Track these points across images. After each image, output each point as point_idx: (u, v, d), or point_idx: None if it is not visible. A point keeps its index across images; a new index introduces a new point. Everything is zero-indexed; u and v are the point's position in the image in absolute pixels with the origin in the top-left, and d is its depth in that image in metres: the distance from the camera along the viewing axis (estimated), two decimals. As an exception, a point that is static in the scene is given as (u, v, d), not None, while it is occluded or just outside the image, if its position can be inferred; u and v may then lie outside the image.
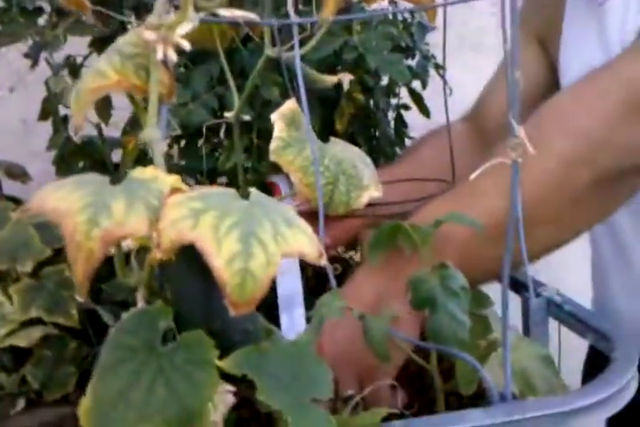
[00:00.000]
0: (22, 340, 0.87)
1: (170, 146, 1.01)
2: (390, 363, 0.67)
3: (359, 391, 0.68)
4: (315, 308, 0.63)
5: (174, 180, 0.41)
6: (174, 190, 0.39)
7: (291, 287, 0.82)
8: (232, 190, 0.40)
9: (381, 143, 1.09)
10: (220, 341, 0.41)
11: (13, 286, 0.90)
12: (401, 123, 1.14)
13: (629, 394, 0.50)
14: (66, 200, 0.35)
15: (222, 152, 0.95)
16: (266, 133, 1.01)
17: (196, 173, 1.01)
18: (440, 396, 0.65)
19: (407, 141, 1.14)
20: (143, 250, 0.43)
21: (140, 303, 0.43)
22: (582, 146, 0.66)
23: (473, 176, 0.42)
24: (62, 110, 1.05)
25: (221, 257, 0.35)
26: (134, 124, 1.05)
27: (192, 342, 0.41)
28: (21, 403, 0.84)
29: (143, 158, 1.06)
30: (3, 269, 0.90)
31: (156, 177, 0.40)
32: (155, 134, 0.42)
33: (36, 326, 0.87)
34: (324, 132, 0.99)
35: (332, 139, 0.72)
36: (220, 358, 0.41)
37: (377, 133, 1.10)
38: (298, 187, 0.66)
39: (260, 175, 0.94)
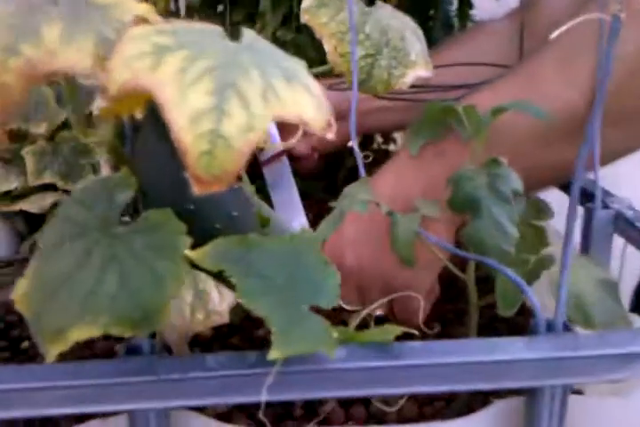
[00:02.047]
0: (34, 205, 0.81)
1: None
2: (426, 273, 0.58)
3: (388, 306, 0.59)
4: (339, 199, 0.54)
5: (144, 8, 0.30)
6: (140, 21, 0.29)
7: (285, 191, 0.74)
8: (219, 28, 0.29)
9: (437, 25, 0.93)
10: (196, 226, 0.32)
11: (27, 147, 0.83)
12: (466, 2, 0.96)
13: None
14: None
15: (257, 21, 0.83)
16: None
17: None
18: (474, 311, 0.56)
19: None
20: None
21: (105, 170, 0.34)
22: None
23: (554, 35, 0.30)
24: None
25: (184, 113, 0.25)
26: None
27: (157, 224, 0.32)
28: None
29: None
30: (14, 129, 0.83)
31: (120, 2, 0.30)
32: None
33: (49, 191, 0.82)
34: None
35: (379, 2, 0.59)
36: (195, 247, 0.32)
37: (434, 13, 0.93)
38: (331, 57, 0.54)
39: (299, 50, 0.82)
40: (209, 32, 0.29)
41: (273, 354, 0.32)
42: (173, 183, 0.32)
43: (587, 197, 0.58)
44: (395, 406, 0.41)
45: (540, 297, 0.63)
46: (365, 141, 0.89)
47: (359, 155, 0.54)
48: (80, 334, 0.31)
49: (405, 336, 0.39)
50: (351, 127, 0.54)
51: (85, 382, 0.36)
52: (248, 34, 0.29)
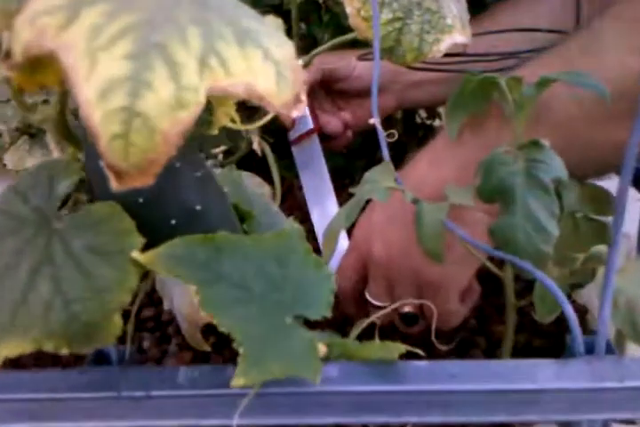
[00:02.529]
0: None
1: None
2: (461, 268, 0.51)
3: (417, 304, 0.53)
4: (359, 185, 0.47)
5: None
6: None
7: (315, 172, 0.68)
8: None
9: None
10: (148, 224, 0.27)
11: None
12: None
13: None
14: None
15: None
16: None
17: (268, 10, 0.83)
18: (511, 312, 0.49)
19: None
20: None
21: (55, 153, 0.29)
22: None
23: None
24: None
25: (92, 85, 0.19)
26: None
27: (100, 220, 0.26)
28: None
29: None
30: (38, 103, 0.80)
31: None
32: None
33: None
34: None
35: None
36: (148, 248, 0.27)
37: None
38: (353, 21, 0.47)
39: (335, 16, 0.75)
40: (148, -20, 0.23)
41: (236, 381, 0.26)
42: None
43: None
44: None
45: (590, 300, 0.55)
46: (406, 117, 0.81)
47: (382, 135, 0.47)
48: (10, 349, 0.26)
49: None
50: (372, 102, 0.47)
51: (38, 395, 0.31)
52: (200, -17, 0.23)
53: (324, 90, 0.69)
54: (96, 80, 0.19)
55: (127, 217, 0.26)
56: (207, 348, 0.52)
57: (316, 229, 0.64)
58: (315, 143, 0.70)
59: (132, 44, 0.20)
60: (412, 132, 0.80)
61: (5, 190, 0.28)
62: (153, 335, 0.63)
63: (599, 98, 0.41)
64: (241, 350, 0.27)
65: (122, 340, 0.31)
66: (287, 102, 0.21)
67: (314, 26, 0.76)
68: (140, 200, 0.26)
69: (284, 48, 0.23)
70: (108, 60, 0.19)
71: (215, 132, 0.29)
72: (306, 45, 0.73)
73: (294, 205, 0.84)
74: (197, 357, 0.59)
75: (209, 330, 0.55)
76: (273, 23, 0.25)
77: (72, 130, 0.29)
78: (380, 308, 0.54)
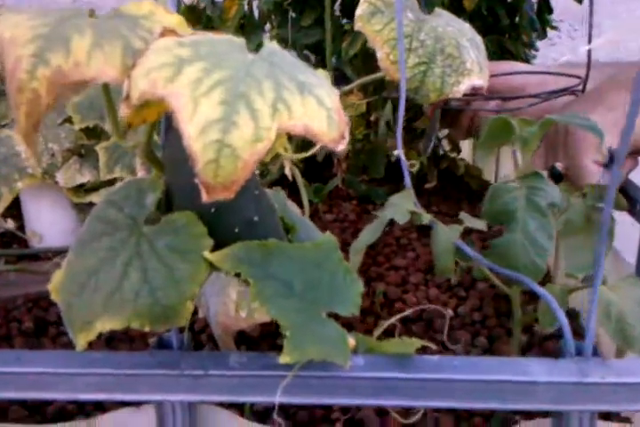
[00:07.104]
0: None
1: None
2: None
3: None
4: (384, 207, 0.54)
5: (176, 20, 0.31)
6: (168, 32, 0.30)
7: None
8: (240, 40, 0.30)
9: (520, 31, 0.92)
10: (216, 229, 0.34)
11: (101, 143, 0.87)
12: (546, 7, 0.94)
13: None
14: (18, 27, 0.28)
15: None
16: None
17: (302, 47, 0.91)
18: (517, 328, 0.55)
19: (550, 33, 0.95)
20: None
21: (140, 173, 0.36)
22: None
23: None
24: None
25: (194, 123, 0.26)
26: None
27: (180, 226, 0.33)
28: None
29: (248, 25, 0.98)
30: (90, 126, 0.88)
31: (152, 13, 0.31)
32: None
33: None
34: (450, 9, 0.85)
35: (437, 9, 0.59)
36: (215, 250, 0.34)
37: (516, 19, 0.92)
38: (383, 64, 0.55)
39: (368, 52, 0.82)
40: (229, 44, 0.30)
41: (283, 359, 0.33)
42: (195, 187, 0.33)
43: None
44: (411, 419, 0.40)
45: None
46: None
47: (405, 164, 0.54)
48: (104, 325, 0.33)
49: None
50: (397, 136, 0.54)
51: (114, 371, 0.38)
52: (269, 46, 0.30)
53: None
54: (198, 120, 0.26)
55: (201, 224, 0.33)
56: (238, 354, 0.59)
57: None
58: None
59: (223, 94, 0.27)
60: (434, 163, 0.87)
61: (100, 202, 0.36)
62: (186, 342, 0.69)
63: None
64: (287, 334, 0.33)
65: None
66: (334, 139, 0.28)
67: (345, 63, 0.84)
68: (212, 211, 0.33)
69: (332, 97, 0.30)
70: (206, 104, 0.26)
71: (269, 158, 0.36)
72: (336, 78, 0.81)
73: (319, 227, 0.90)
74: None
75: (241, 340, 0.62)
76: (322, 75, 0.32)
77: (156, 154, 0.36)
78: None
